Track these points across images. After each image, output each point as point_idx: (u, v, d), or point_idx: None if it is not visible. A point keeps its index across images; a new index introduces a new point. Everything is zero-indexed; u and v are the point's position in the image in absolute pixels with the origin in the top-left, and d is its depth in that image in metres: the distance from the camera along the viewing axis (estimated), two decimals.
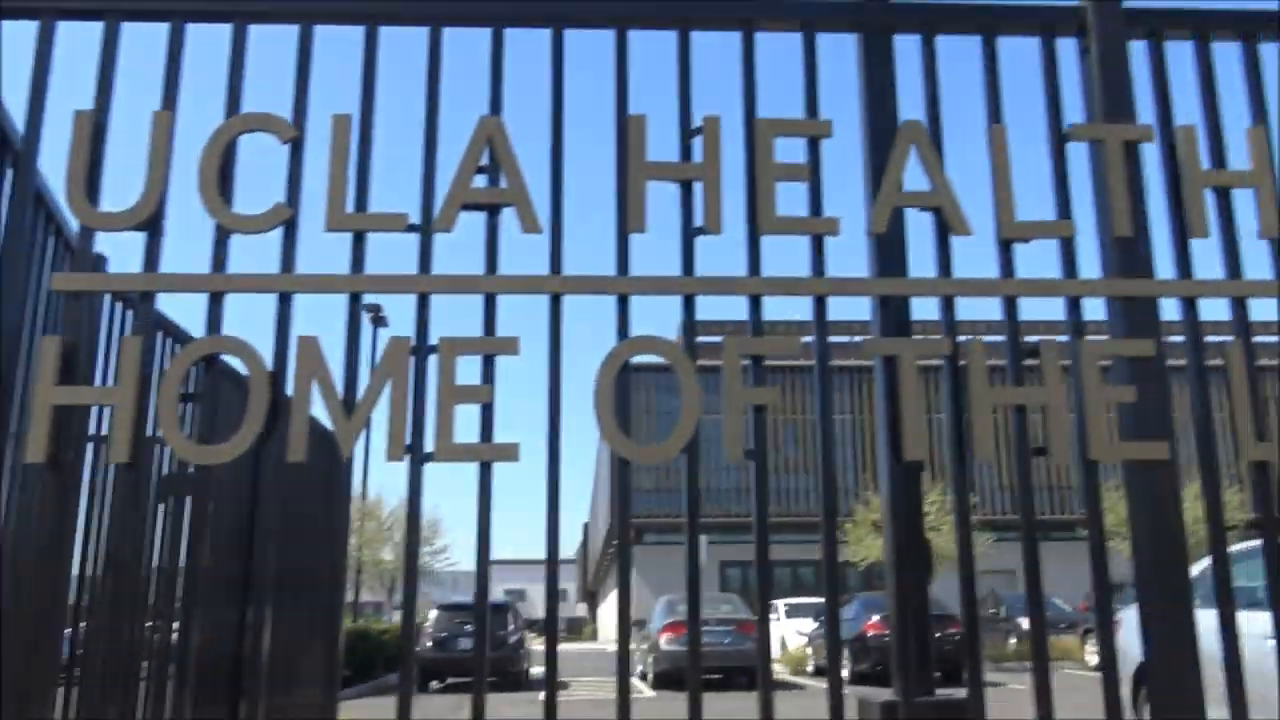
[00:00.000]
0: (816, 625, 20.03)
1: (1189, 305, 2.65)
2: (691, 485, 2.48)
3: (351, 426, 2.30)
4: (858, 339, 2.68)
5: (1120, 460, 2.57)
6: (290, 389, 2.32)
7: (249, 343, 2.29)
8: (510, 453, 2.37)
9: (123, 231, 2.33)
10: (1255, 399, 2.60)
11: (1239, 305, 2.66)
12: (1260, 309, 2.69)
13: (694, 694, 2.35)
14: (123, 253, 2.46)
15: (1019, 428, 2.58)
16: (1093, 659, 13.26)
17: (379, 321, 18.87)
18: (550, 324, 2.46)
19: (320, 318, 2.67)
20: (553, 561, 2.40)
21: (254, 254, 2.42)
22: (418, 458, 2.35)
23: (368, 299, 2.53)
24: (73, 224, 2.47)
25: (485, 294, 2.43)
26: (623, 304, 2.48)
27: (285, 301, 2.35)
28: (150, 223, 2.34)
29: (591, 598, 63.66)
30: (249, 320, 2.45)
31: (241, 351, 2.29)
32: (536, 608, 68.84)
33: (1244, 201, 2.70)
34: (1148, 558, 2.56)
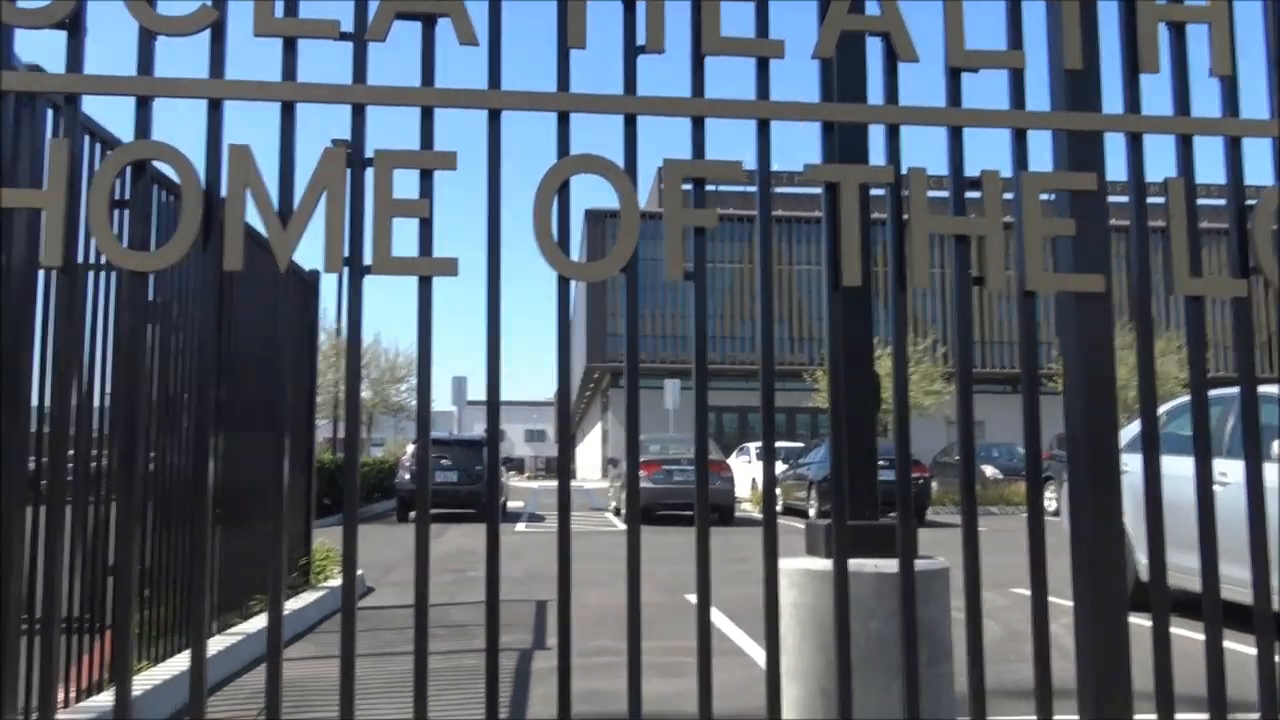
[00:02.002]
0: (786, 467, 20.67)
1: (1134, 141, 2.64)
2: (631, 304, 2.50)
3: (287, 237, 2.31)
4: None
5: (1056, 290, 2.62)
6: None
7: (180, 150, 2.26)
8: (449, 267, 2.38)
9: (41, 29, 2.25)
10: (1193, 235, 2.63)
11: (1184, 142, 2.66)
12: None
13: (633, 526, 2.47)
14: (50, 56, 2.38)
15: (959, 257, 2.61)
16: (1051, 504, 13.81)
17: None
18: (489, 140, 2.43)
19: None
20: (494, 391, 2.44)
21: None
22: (356, 269, 2.36)
23: (336, 133, 2.48)
24: None
25: (422, 107, 2.39)
26: (563, 122, 2.45)
27: (215, 108, 2.31)
28: (71, 21, 2.25)
29: (570, 439, 65.04)
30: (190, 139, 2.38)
31: (173, 158, 2.26)
32: (515, 447, 70.83)
33: (1197, 38, 2.68)
34: (1078, 392, 2.64)
